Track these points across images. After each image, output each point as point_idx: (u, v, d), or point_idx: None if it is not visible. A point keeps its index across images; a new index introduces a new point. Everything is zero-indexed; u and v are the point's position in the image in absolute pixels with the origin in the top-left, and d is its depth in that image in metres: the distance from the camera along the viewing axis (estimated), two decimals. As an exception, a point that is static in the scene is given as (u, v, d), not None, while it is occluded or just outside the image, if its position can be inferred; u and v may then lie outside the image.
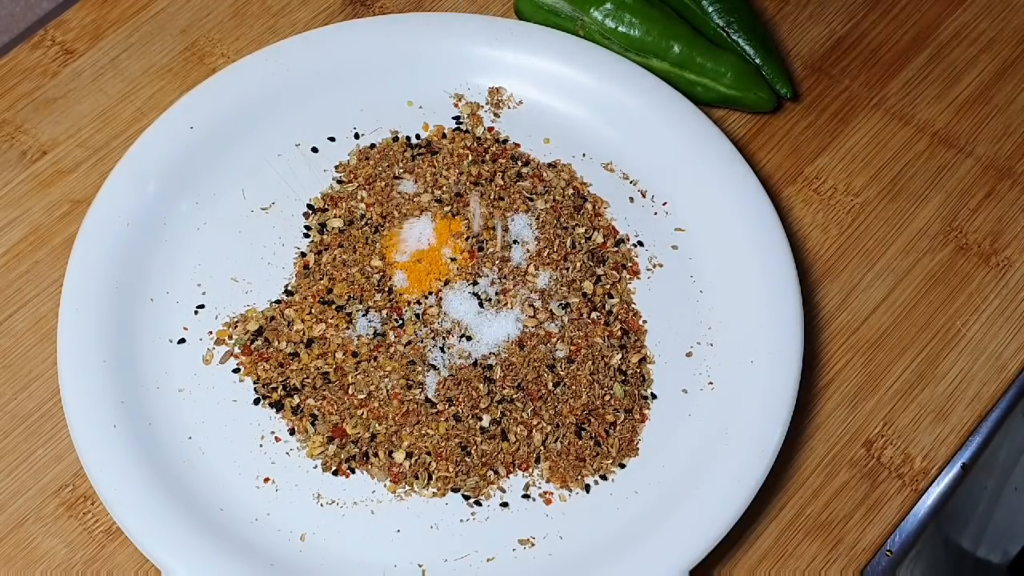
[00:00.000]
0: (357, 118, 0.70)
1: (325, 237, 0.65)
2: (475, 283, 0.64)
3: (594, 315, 0.64)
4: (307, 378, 0.61)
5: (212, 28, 0.75)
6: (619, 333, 0.63)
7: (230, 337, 0.62)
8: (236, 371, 0.62)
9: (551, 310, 0.63)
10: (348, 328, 0.62)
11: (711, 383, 0.63)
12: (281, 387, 0.61)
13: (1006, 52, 0.78)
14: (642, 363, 0.63)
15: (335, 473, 0.59)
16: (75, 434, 0.57)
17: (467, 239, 0.65)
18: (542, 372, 0.62)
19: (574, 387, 0.61)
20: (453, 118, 0.70)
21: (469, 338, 0.62)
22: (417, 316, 0.63)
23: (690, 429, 0.61)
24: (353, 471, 0.59)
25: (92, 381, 0.58)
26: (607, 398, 0.61)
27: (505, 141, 0.70)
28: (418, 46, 0.70)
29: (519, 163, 0.69)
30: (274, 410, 0.61)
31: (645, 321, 0.65)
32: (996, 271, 0.70)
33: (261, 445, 0.60)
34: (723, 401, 0.61)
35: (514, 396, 0.61)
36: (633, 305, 0.65)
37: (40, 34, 0.74)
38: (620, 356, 0.63)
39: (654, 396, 0.62)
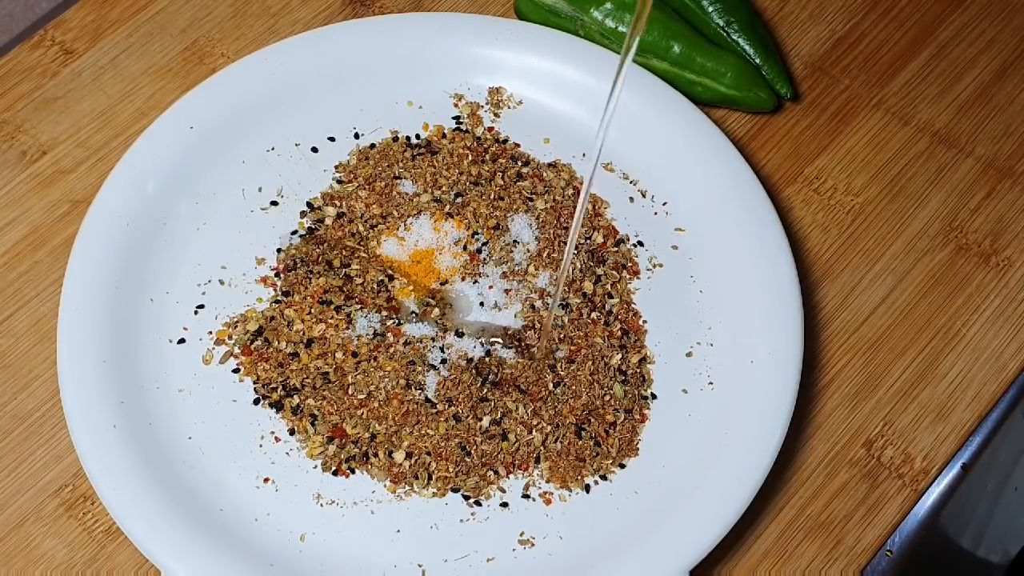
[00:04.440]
0: (357, 118, 0.70)
1: (325, 236, 0.65)
2: (475, 283, 0.64)
3: (594, 315, 0.64)
4: (307, 378, 0.61)
5: (212, 28, 0.75)
6: (619, 333, 0.63)
7: (230, 337, 0.62)
8: (236, 371, 0.62)
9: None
10: (348, 328, 0.62)
11: (711, 383, 0.63)
12: (281, 387, 0.61)
13: (1006, 52, 0.78)
14: (642, 363, 0.63)
15: (335, 473, 0.59)
16: (75, 434, 0.57)
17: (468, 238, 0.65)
18: (542, 372, 0.61)
19: (574, 387, 0.61)
20: (453, 118, 0.70)
21: (469, 337, 0.62)
22: (416, 315, 0.63)
23: (690, 429, 0.61)
24: (353, 471, 0.59)
25: (92, 381, 0.58)
26: (607, 398, 0.61)
27: (505, 141, 0.70)
28: (418, 46, 0.70)
29: (519, 163, 0.69)
30: (274, 410, 0.61)
31: (645, 321, 0.65)
32: (996, 271, 0.70)
33: (261, 445, 0.60)
34: (723, 401, 0.61)
35: (514, 396, 0.61)
36: (633, 305, 0.65)
37: (40, 34, 0.74)
38: (620, 356, 0.63)
39: (654, 396, 0.62)
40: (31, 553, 0.59)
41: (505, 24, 0.71)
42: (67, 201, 0.68)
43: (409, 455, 0.59)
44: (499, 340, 0.62)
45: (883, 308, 0.68)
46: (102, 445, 0.57)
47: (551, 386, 0.61)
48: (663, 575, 0.56)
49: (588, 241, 0.66)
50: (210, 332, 0.62)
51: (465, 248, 0.65)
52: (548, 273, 0.64)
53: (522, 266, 0.65)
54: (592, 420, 0.61)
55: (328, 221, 0.66)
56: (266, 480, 0.59)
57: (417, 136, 0.70)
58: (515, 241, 0.65)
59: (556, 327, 0.63)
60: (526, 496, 0.59)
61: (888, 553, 0.62)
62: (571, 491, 0.60)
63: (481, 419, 0.60)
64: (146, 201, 0.64)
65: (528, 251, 0.65)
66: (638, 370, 0.63)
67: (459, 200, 0.67)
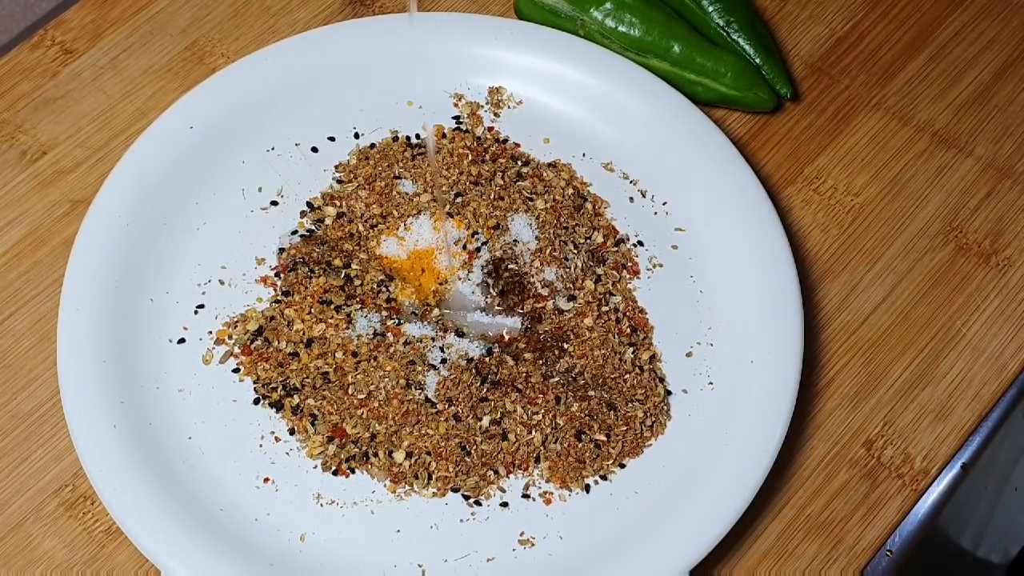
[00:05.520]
0: (357, 118, 0.70)
1: (325, 236, 0.65)
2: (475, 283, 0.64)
3: (604, 309, 0.63)
4: (307, 378, 0.61)
5: (212, 28, 0.75)
6: (628, 330, 0.63)
7: (230, 337, 0.62)
8: (236, 371, 0.62)
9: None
10: (348, 328, 0.62)
11: (711, 383, 0.63)
12: (281, 387, 0.61)
13: (1006, 52, 0.78)
14: (653, 360, 0.63)
15: (335, 473, 0.59)
16: (75, 434, 0.57)
17: (467, 237, 0.65)
18: (548, 375, 0.61)
19: (584, 379, 0.61)
20: (453, 118, 0.70)
21: (469, 337, 0.62)
22: (415, 315, 0.63)
23: (690, 429, 0.61)
24: (353, 471, 0.59)
25: (92, 381, 0.58)
26: (634, 392, 0.61)
27: (505, 141, 0.70)
28: (418, 46, 0.70)
29: (519, 163, 0.69)
30: (274, 410, 0.60)
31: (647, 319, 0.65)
32: (996, 271, 0.70)
33: (261, 445, 0.60)
34: (723, 401, 0.61)
35: (514, 396, 0.61)
36: (638, 303, 0.65)
37: (40, 34, 0.74)
38: (631, 352, 0.62)
39: (669, 392, 0.62)
40: (31, 553, 0.59)
41: (505, 24, 0.71)
42: (67, 201, 0.69)
43: (409, 455, 0.59)
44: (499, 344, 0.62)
45: (883, 308, 0.68)
46: (102, 445, 0.57)
47: (558, 386, 0.61)
48: (663, 575, 0.56)
49: (588, 241, 0.66)
50: (210, 332, 0.62)
51: (465, 248, 0.65)
52: (553, 269, 0.64)
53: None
54: (595, 421, 0.60)
55: (328, 221, 0.66)
56: (266, 480, 0.59)
57: (417, 136, 0.70)
58: (515, 241, 0.65)
59: (559, 319, 0.63)
60: (526, 496, 0.59)
61: (888, 553, 0.62)
62: (571, 491, 0.59)
63: (481, 419, 0.60)
64: (146, 201, 0.64)
65: (528, 251, 0.65)
66: (650, 367, 0.63)
67: (459, 200, 0.67)
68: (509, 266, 0.64)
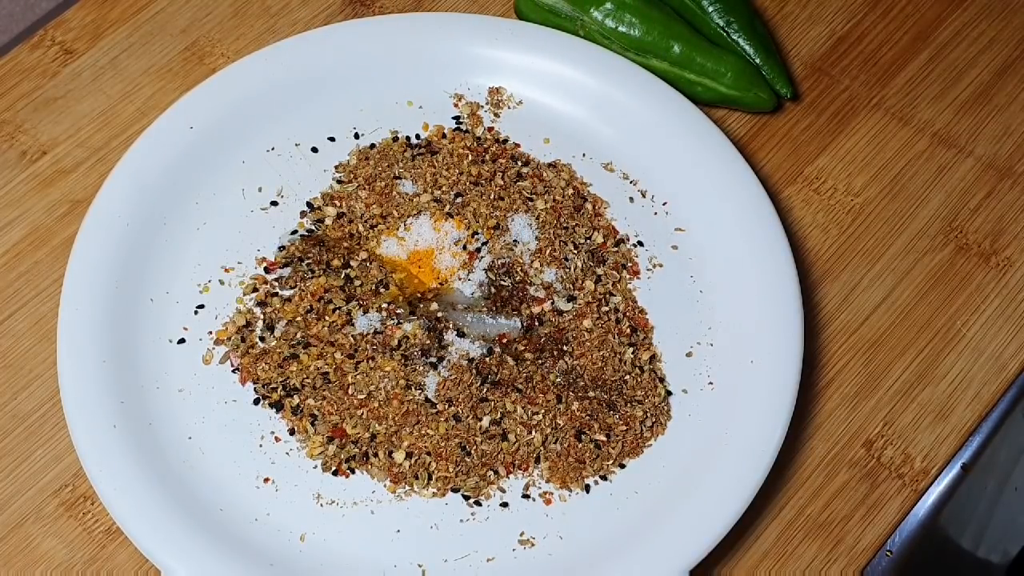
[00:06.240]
0: (357, 118, 0.70)
1: (325, 236, 0.65)
2: (475, 283, 0.64)
3: (604, 309, 0.64)
4: (307, 378, 0.61)
5: (212, 28, 0.75)
6: (628, 330, 0.63)
7: (230, 337, 0.62)
8: (236, 371, 0.61)
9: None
10: (348, 328, 0.62)
11: (711, 383, 0.63)
12: (281, 387, 0.61)
13: (1006, 52, 0.78)
14: (653, 360, 0.63)
15: (335, 473, 0.59)
16: (75, 434, 0.57)
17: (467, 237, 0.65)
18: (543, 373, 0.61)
19: (584, 380, 0.61)
20: (453, 118, 0.70)
21: (470, 338, 0.62)
22: (414, 314, 0.63)
23: (690, 429, 0.61)
24: (353, 471, 0.59)
25: (92, 381, 0.58)
26: (633, 391, 0.61)
27: (505, 141, 0.70)
28: (418, 46, 0.70)
29: (519, 163, 0.69)
30: (274, 410, 0.60)
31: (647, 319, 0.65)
32: (996, 271, 0.70)
33: (261, 445, 0.60)
34: (723, 401, 0.61)
35: (514, 397, 0.61)
36: (638, 303, 0.65)
37: (40, 34, 0.74)
38: (631, 352, 0.62)
39: (669, 393, 0.62)
40: (31, 553, 0.59)
41: (505, 24, 0.71)
42: (67, 201, 0.69)
43: (409, 455, 0.59)
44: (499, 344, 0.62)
45: (883, 308, 0.68)
46: (102, 445, 0.57)
47: (558, 381, 0.61)
48: (663, 575, 0.56)
49: (588, 241, 0.66)
50: (210, 332, 0.62)
51: (465, 248, 0.65)
52: (553, 270, 0.64)
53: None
54: (596, 421, 0.60)
55: (328, 221, 0.66)
56: (266, 480, 0.59)
57: (417, 136, 0.70)
58: (515, 241, 0.65)
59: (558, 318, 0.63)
60: (526, 496, 0.59)
61: (888, 553, 0.62)
62: (571, 491, 0.59)
63: (481, 419, 0.60)
64: (146, 201, 0.64)
65: (528, 251, 0.65)
66: (650, 367, 0.63)
67: (459, 200, 0.67)
68: (503, 282, 0.63)
